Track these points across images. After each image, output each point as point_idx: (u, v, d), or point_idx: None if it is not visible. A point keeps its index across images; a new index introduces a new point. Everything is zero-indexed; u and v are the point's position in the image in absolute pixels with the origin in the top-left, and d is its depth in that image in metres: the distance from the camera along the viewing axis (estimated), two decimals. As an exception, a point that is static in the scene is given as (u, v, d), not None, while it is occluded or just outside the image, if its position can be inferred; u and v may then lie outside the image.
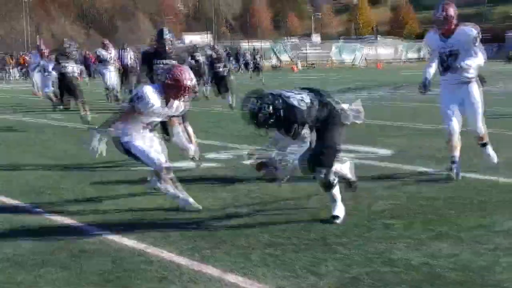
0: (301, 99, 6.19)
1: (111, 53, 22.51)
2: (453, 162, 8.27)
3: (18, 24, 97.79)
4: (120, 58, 23.55)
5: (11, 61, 55.88)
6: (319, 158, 6.23)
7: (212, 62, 21.23)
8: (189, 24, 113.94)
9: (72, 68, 16.29)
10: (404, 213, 6.66)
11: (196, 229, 6.28)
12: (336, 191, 6.39)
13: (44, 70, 19.73)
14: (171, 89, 6.89)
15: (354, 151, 10.57)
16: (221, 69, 20.52)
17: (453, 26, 8.05)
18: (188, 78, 6.89)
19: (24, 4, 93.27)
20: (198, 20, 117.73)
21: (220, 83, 20.43)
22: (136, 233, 6.09)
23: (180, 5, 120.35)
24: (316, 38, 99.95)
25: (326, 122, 6.31)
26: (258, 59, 45.92)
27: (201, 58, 24.23)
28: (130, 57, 23.82)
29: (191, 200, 6.96)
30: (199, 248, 5.59)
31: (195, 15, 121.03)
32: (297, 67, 63.76)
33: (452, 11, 8.01)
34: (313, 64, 73.76)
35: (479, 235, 5.79)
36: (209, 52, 23.91)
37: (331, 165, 6.28)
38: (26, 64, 47.60)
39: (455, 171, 8.23)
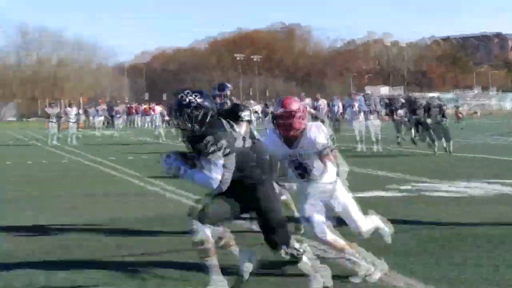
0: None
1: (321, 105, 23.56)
2: None
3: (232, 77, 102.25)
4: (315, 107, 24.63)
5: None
6: (273, 239, 4.83)
7: (414, 109, 20.09)
8: (369, 78, 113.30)
9: None
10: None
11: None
12: (305, 263, 4.87)
13: None
14: None
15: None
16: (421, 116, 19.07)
17: None
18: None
19: (238, 61, 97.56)
20: (378, 74, 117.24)
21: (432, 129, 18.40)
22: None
23: (364, 65, 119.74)
24: (477, 89, 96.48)
25: (257, 188, 4.84)
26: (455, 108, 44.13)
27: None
28: (319, 107, 24.62)
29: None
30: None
31: (376, 71, 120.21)
32: (462, 114, 61.36)
33: None
34: (476, 112, 70.73)
35: None
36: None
37: (287, 241, 4.84)
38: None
39: None
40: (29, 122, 70.23)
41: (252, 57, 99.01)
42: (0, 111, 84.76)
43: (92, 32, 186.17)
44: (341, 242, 5.05)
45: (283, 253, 4.85)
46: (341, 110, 25.99)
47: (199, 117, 4.71)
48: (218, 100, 7.70)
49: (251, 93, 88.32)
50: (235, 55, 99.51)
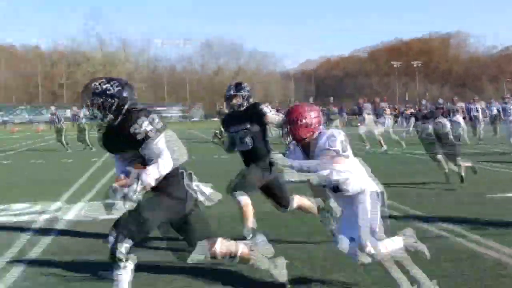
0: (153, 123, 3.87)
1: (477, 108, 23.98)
2: None
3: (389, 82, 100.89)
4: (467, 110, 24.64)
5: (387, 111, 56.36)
6: (120, 222, 3.90)
7: None
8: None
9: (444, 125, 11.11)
10: None
11: None
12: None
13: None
14: None
15: None
16: None
17: None
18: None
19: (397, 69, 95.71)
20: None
21: None
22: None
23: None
24: None
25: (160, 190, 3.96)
26: None
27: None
28: (477, 109, 24.19)
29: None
30: None
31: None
32: None
33: None
34: None
35: None
36: None
37: (127, 235, 3.85)
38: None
39: None
40: (212, 122, 74.23)
41: (412, 62, 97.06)
42: (190, 111, 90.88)
43: (263, 43, 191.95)
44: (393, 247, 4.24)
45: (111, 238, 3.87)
46: (496, 112, 25.02)
47: (113, 107, 3.94)
48: (234, 101, 6.16)
49: (407, 98, 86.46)
50: (392, 62, 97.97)
